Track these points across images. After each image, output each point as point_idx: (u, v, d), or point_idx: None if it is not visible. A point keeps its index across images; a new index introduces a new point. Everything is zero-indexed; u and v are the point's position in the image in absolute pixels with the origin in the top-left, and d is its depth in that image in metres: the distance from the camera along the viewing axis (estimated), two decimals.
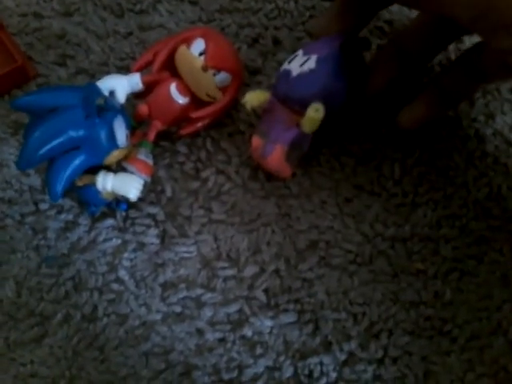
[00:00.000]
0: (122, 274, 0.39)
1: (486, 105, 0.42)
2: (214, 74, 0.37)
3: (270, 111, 0.37)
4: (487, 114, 0.42)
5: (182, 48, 0.37)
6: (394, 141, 0.41)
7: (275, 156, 0.37)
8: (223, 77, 0.37)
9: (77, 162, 0.35)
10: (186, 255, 0.40)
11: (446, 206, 0.40)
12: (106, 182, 0.36)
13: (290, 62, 0.37)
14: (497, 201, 0.40)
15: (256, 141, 0.38)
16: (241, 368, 0.38)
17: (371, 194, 0.40)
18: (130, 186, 0.37)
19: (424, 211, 0.40)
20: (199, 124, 0.40)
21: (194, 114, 0.39)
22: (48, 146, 0.34)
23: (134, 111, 0.39)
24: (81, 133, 0.34)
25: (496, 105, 0.42)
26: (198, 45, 0.37)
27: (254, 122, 0.42)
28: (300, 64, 0.35)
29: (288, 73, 0.36)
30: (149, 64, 0.38)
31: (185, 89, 0.38)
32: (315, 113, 0.34)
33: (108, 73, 0.39)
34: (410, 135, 0.41)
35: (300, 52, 0.36)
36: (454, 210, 0.40)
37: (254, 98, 0.37)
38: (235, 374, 0.37)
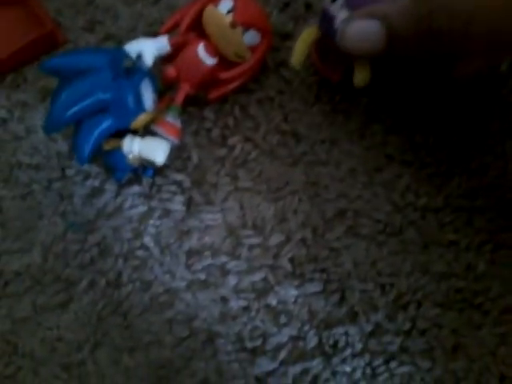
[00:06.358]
0: (147, 240, 0.39)
1: None
2: (243, 32, 0.36)
3: None
4: None
5: (210, 7, 0.36)
6: (427, 108, 0.40)
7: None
8: (252, 35, 0.37)
9: (104, 125, 0.35)
10: (211, 223, 0.39)
11: (482, 176, 0.38)
12: (133, 146, 0.36)
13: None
14: None
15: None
16: (264, 337, 0.37)
17: (402, 164, 0.39)
18: (157, 149, 0.36)
19: (458, 181, 0.38)
20: (228, 87, 0.39)
21: (223, 75, 0.38)
22: (75, 108, 0.34)
23: (161, 75, 0.38)
24: (108, 95, 0.34)
25: None
26: (226, 3, 0.36)
27: (283, 89, 0.41)
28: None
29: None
30: (177, 26, 0.37)
31: (213, 49, 0.37)
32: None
33: (136, 38, 0.39)
34: (444, 102, 0.40)
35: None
36: (490, 180, 0.38)
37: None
38: (259, 342, 0.37)
